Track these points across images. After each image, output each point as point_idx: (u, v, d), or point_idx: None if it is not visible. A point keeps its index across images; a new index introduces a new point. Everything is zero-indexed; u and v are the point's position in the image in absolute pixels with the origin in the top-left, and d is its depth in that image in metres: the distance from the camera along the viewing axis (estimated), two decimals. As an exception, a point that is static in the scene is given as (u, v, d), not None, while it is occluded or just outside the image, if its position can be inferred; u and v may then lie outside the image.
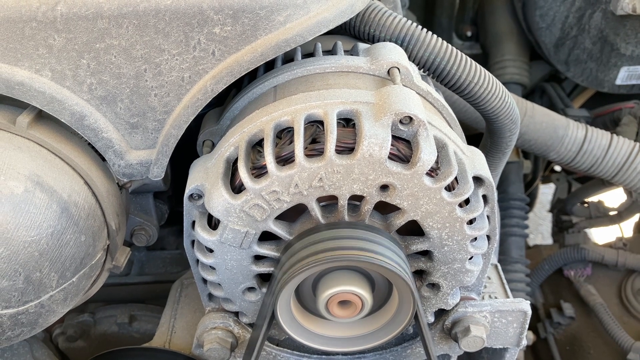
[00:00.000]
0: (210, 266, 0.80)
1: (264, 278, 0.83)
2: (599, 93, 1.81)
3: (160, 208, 1.03)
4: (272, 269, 0.79)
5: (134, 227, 0.97)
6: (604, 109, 1.74)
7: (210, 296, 0.89)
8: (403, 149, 0.71)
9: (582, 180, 1.99)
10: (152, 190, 0.97)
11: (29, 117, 0.75)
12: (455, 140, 0.78)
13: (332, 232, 0.73)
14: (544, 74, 1.87)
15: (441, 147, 0.74)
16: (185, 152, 0.91)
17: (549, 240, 2.39)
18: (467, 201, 0.75)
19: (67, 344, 1.29)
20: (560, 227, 1.98)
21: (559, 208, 2.01)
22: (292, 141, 0.71)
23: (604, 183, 1.69)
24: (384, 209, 0.76)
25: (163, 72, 0.74)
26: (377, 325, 0.82)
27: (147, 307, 1.30)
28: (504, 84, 1.66)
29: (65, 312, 0.81)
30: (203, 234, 0.76)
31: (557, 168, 2.09)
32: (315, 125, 0.73)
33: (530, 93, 1.91)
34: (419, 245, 0.77)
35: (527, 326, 0.90)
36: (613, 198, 1.89)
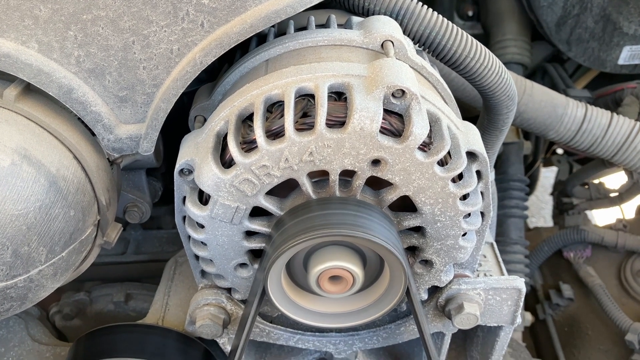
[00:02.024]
0: (201, 242, 0.79)
1: (256, 254, 0.82)
2: (602, 75, 1.78)
3: (154, 185, 1.03)
4: (263, 244, 0.78)
5: (126, 203, 0.97)
6: (606, 89, 1.71)
7: (203, 273, 0.89)
8: (395, 122, 0.70)
9: (583, 162, 1.97)
10: (144, 167, 0.96)
11: (16, 90, 0.74)
12: (449, 114, 0.76)
13: (323, 207, 0.72)
14: (545, 54, 1.85)
15: (434, 121, 0.73)
16: (179, 129, 0.90)
17: (551, 224, 2.38)
18: (460, 177, 0.74)
19: (64, 322, 1.30)
20: (560, 209, 1.97)
21: (559, 190, 2.00)
22: (282, 115, 0.70)
23: (605, 164, 1.67)
24: (377, 184, 0.75)
25: (151, 44, 0.73)
26: (369, 301, 0.81)
27: (143, 286, 1.31)
28: (505, 64, 1.64)
29: (55, 287, 0.80)
30: (194, 209, 0.75)
31: (559, 151, 2.07)
32: (306, 99, 0.72)
33: (532, 74, 1.88)
34: (412, 221, 0.76)
35: (521, 304, 0.89)
36: (614, 180, 1.87)
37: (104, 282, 1.35)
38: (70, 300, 1.31)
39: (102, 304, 1.30)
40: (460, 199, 0.74)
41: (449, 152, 0.73)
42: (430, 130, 0.72)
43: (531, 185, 2.04)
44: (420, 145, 0.70)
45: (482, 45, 0.89)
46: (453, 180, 0.73)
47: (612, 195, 1.83)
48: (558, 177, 2.07)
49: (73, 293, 1.32)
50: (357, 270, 0.74)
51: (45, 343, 1.14)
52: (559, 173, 2.06)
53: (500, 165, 1.72)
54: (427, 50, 0.89)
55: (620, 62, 1.62)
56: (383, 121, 0.68)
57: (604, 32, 1.56)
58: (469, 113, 1.26)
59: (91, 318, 1.30)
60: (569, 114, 1.29)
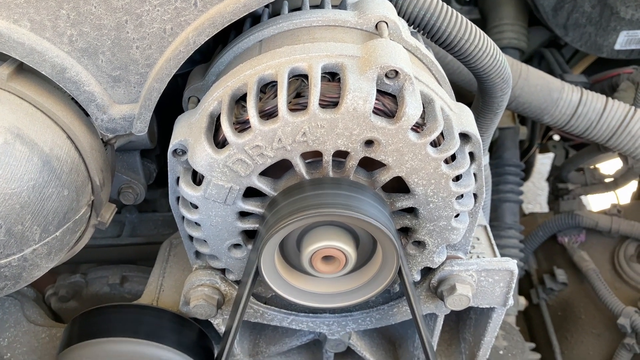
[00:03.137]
0: (195, 222, 0.80)
1: (250, 235, 0.83)
2: (599, 61, 1.78)
3: (148, 167, 1.03)
4: (257, 225, 0.79)
5: (121, 185, 0.97)
6: (602, 74, 1.71)
7: (197, 254, 0.89)
8: (389, 103, 0.70)
9: (579, 148, 1.98)
10: (138, 148, 0.96)
11: (9, 69, 0.73)
12: (443, 96, 0.76)
13: (316, 187, 0.73)
14: (542, 40, 1.84)
15: (428, 102, 0.73)
16: (174, 111, 0.90)
17: (547, 211, 2.39)
18: (453, 158, 0.75)
19: (60, 304, 1.30)
20: (556, 195, 1.98)
21: (555, 175, 2.01)
22: (275, 95, 0.70)
23: (600, 149, 1.67)
24: (370, 165, 0.75)
25: (144, 24, 0.73)
26: (362, 281, 0.82)
27: (139, 268, 1.31)
28: (501, 48, 1.64)
29: (50, 267, 0.80)
30: (187, 190, 0.75)
31: (556, 137, 2.07)
32: (300, 80, 0.72)
33: (529, 59, 1.88)
34: (404, 202, 0.77)
35: (513, 285, 0.90)
36: (609, 165, 1.88)
37: (100, 265, 1.35)
38: (65, 282, 1.31)
39: (98, 286, 1.31)
40: (453, 180, 0.74)
41: (442, 133, 0.73)
42: (424, 111, 0.72)
43: (527, 171, 2.04)
44: (414, 126, 0.70)
45: (477, 28, 0.88)
46: (446, 162, 0.73)
47: (607, 180, 1.84)
48: (554, 163, 2.07)
49: (69, 275, 1.33)
50: (349, 250, 0.75)
51: (41, 324, 1.14)
52: (555, 159, 2.06)
53: (495, 150, 1.73)
54: (421, 32, 0.89)
55: (617, 47, 1.62)
56: (376, 102, 0.68)
57: (600, 17, 1.56)
58: (465, 99, 1.26)
59: (87, 300, 1.31)
60: (565, 98, 1.29)
